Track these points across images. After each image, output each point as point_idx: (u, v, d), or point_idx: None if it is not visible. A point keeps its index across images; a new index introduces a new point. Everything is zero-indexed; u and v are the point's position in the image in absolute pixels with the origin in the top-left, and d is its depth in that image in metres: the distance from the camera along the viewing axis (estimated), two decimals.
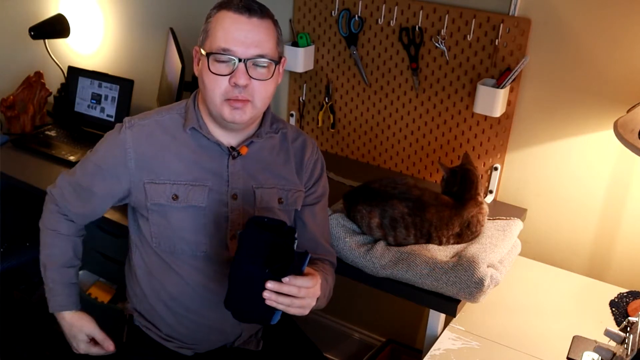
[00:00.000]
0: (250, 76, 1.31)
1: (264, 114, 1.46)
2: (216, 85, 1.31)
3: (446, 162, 2.01)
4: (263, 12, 1.32)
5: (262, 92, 1.34)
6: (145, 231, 1.45)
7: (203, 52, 1.33)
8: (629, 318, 1.27)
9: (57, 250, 1.53)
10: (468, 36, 1.86)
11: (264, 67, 1.32)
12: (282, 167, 1.49)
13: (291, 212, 1.50)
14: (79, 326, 1.52)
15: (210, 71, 1.30)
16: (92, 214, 1.53)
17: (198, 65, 1.38)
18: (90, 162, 1.47)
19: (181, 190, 1.40)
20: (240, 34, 1.29)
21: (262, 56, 1.31)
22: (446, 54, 1.92)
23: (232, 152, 1.42)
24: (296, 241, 1.17)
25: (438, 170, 2.06)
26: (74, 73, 2.59)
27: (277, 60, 1.35)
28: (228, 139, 1.43)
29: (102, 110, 2.53)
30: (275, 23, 1.35)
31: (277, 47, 1.35)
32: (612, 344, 1.27)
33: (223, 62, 1.30)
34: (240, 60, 1.29)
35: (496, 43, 1.82)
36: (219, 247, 1.43)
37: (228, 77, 1.30)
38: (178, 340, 1.51)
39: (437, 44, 1.92)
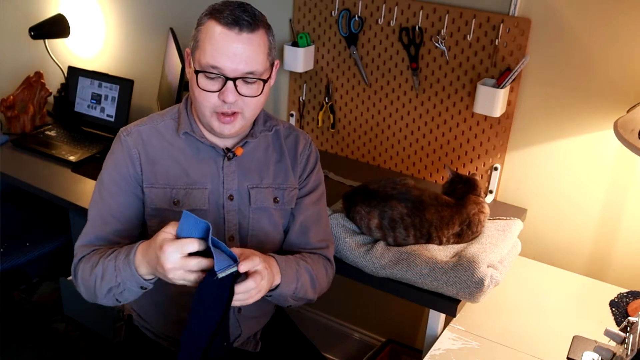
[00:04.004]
0: (239, 93, 1.30)
1: None
2: (205, 100, 1.31)
3: (446, 162, 2.02)
4: (253, 24, 1.28)
5: (252, 105, 1.33)
6: (142, 237, 1.44)
7: (192, 66, 1.32)
8: (629, 318, 1.27)
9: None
10: (468, 36, 1.86)
11: (253, 83, 1.31)
12: (277, 165, 1.48)
13: (287, 211, 1.50)
14: (153, 249, 1.21)
15: (200, 87, 1.30)
16: (132, 226, 1.41)
17: (190, 67, 1.37)
18: (104, 183, 1.42)
19: (180, 194, 1.41)
20: (229, 51, 1.27)
21: (251, 73, 1.29)
22: (446, 54, 1.92)
23: (228, 153, 1.42)
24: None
25: (438, 170, 2.06)
26: (74, 73, 2.59)
27: (266, 79, 1.33)
28: (223, 141, 1.42)
29: (102, 110, 2.53)
30: (267, 30, 1.32)
31: (268, 57, 1.33)
32: (612, 344, 1.27)
33: (212, 79, 1.29)
34: (228, 78, 1.28)
35: (496, 43, 1.82)
36: None
37: (217, 93, 1.30)
38: (176, 340, 1.50)
39: (437, 44, 1.92)
